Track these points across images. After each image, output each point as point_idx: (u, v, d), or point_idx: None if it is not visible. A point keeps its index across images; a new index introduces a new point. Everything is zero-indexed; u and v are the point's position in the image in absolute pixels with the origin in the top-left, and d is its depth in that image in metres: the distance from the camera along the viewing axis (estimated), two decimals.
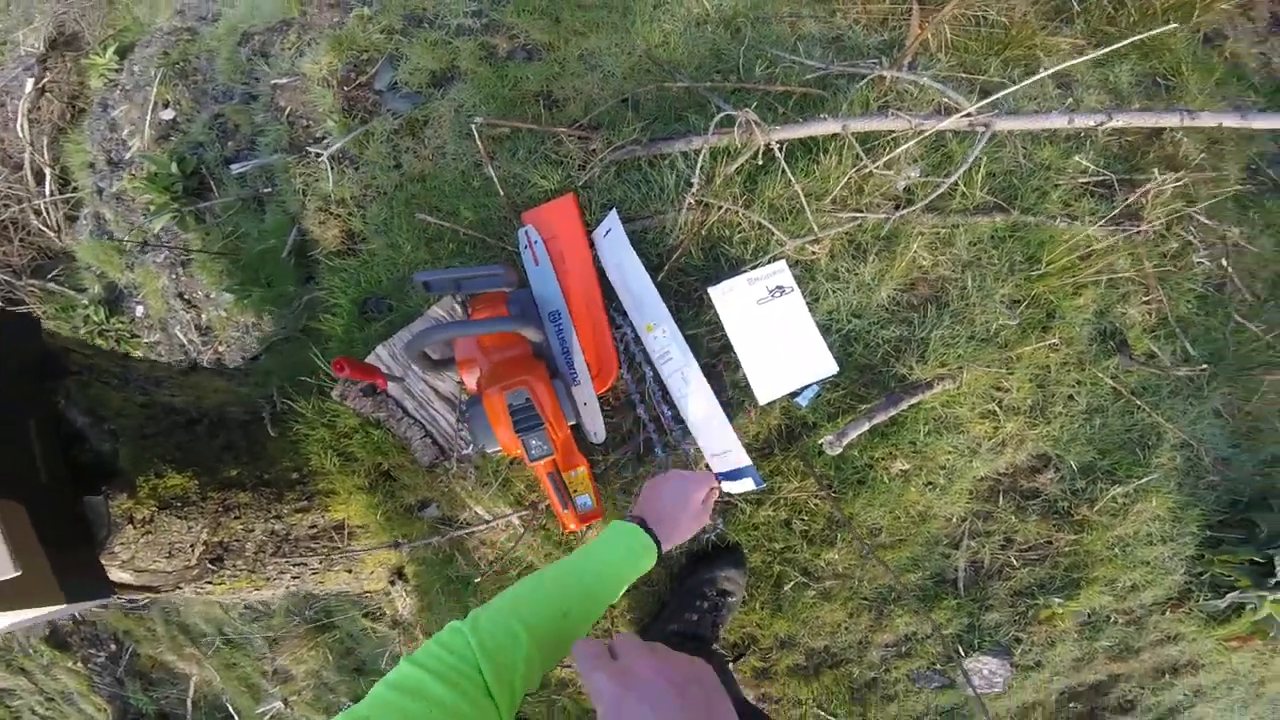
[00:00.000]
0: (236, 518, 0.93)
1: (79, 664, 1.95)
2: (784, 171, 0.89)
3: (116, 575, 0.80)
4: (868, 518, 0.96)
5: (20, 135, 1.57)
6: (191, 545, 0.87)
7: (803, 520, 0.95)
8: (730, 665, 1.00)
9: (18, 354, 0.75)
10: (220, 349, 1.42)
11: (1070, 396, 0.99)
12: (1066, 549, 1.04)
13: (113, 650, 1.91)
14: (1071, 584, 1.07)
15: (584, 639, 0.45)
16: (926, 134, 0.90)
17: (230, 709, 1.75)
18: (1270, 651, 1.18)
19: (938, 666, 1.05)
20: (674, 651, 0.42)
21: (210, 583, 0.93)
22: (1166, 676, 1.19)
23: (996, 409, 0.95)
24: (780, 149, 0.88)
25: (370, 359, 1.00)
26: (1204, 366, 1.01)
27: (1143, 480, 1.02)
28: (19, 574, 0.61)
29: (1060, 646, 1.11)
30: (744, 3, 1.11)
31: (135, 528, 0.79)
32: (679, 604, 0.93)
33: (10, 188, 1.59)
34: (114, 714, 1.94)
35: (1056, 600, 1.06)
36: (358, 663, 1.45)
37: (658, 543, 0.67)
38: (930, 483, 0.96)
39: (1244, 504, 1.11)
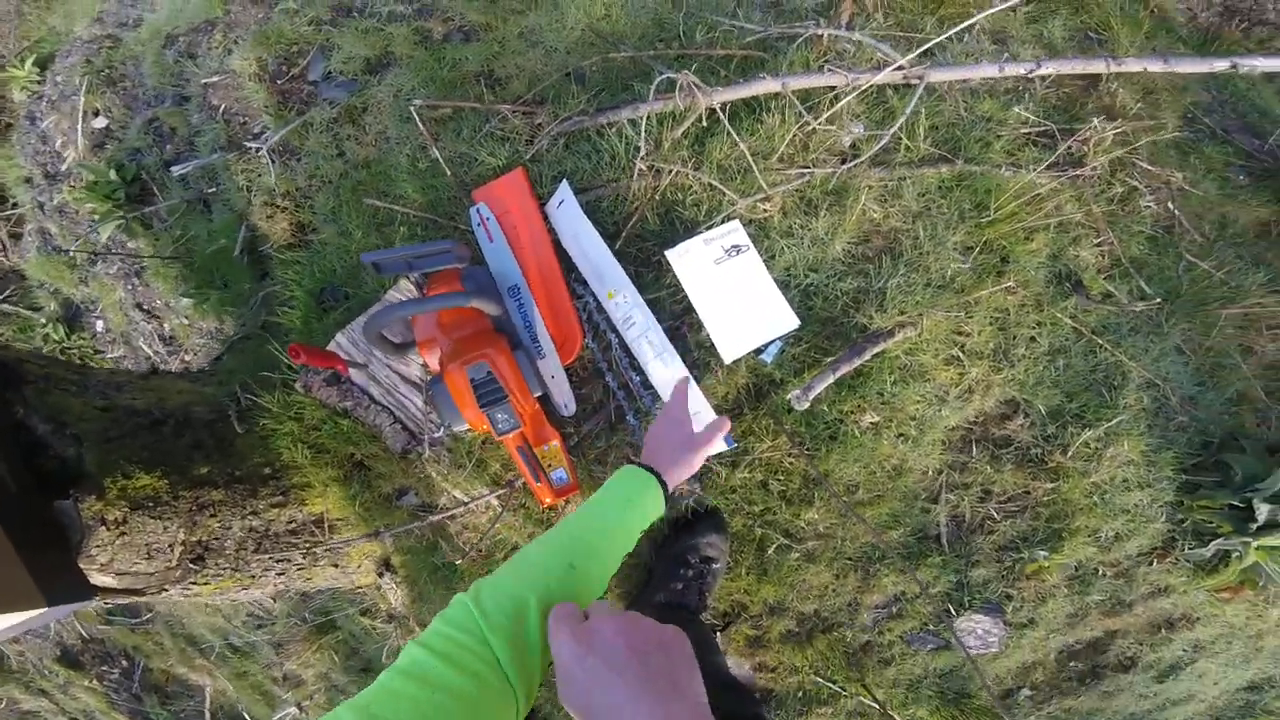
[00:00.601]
0: (212, 515, 0.97)
1: (95, 682, 2.03)
2: (729, 132, 0.97)
3: (98, 579, 0.84)
4: (843, 474, 1.02)
5: None
6: (170, 545, 0.91)
7: (779, 480, 1.00)
8: (718, 634, 1.04)
9: None
10: (187, 358, 1.44)
11: (1032, 338, 1.07)
12: (1045, 499, 1.12)
13: (125, 666, 1.98)
14: (1054, 535, 1.13)
15: (557, 604, 0.46)
16: (863, 87, 0.99)
17: (247, 717, 1.82)
18: (1263, 602, 1.25)
19: (931, 628, 1.11)
20: (647, 619, 0.43)
21: (195, 583, 0.97)
22: (1163, 631, 1.26)
23: (960, 354, 1.03)
24: (724, 110, 0.96)
25: (331, 347, 1.03)
26: (1159, 301, 1.10)
27: (1112, 422, 1.10)
28: None
29: (1051, 602, 1.17)
30: None
31: (109, 529, 0.83)
32: (663, 574, 0.97)
33: None
34: None
35: (1041, 553, 1.13)
36: (364, 662, 1.51)
37: (658, 476, 0.67)
38: (902, 434, 1.02)
39: (1215, 445, 1.19)
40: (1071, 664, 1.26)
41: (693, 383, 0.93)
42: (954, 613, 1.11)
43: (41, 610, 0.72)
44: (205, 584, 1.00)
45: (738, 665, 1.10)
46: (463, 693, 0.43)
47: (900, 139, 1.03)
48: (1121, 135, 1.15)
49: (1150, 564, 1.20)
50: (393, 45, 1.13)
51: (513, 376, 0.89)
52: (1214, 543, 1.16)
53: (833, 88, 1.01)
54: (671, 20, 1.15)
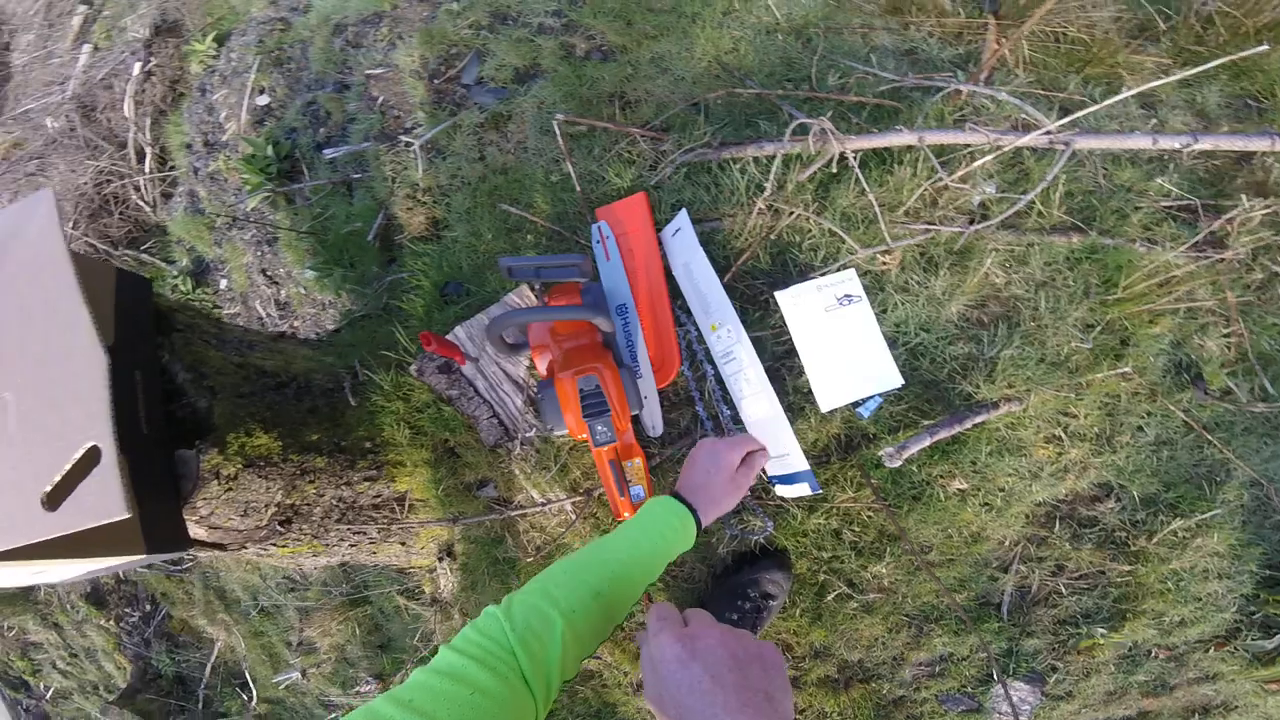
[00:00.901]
0: (311, 481, 0.94)
1: (111, 622, 1.96)
2: (858, 181, 0.86)
3: (193, 531, 0.82)
4: (920, 534, 0.92)
5: (126, 116, 1.64)
6: (266, 505, 0.89)
7: (853, 531, 0.92)
8: None
9: (132, 310, 0.78)
10: (296, 323, 1.46)
11: (1139, 427, 0.94)
12: (1118, 580, 0.99)
13: (147, 611, 1.93)
14: (1118, 615, 1.01)
15: (661, 603, 0.43)
16: (1004, 150, 0.86)
17: (248, 676, 1.73)
18: None
19: (968, 690, 1.01)
20: (744, 631, 0.40)
21: (274, 544, 0.95)
22: (1197, 717, 1.12)
23: (1062, 434, 0.91)
24: (855, 158, 0.85)
25: (449, 338, 1.01)
26: None
27: (1206, 515, 0.95)
28: (129, 517, 0.61)
29: (1095, 678, 1.05)
30: (815, 12, 1.08)
31: (220, 484, 0.80)
32: (720, 602, 0.92)
33: (114, 164, 1.68)
34: (134, 674, 1.93)
35: (1100, 630, 1.01)
36: (383, 639, 1.43)
37: (694, 513, 0.63)
38: (987, 504, 0.92)
39: None
40: None
41: (788, 425, 0.85)
42: (995, 678, 1.02)
43: (140, 556, 0.69)
44: (283, 546, 0.97)
45: None
46: (495, 693, 0.42)
47: (1033, 203, 0.90)
48: (1271, 215, 0.97)
49: (1208, 650, 1.06)
50: (540, 57, 1.07)
51: (617, 393, 0.84)
52: (1279, 636, 1.02)
53: (968, 145, 0.89)
54: (800, 61, 1.04)
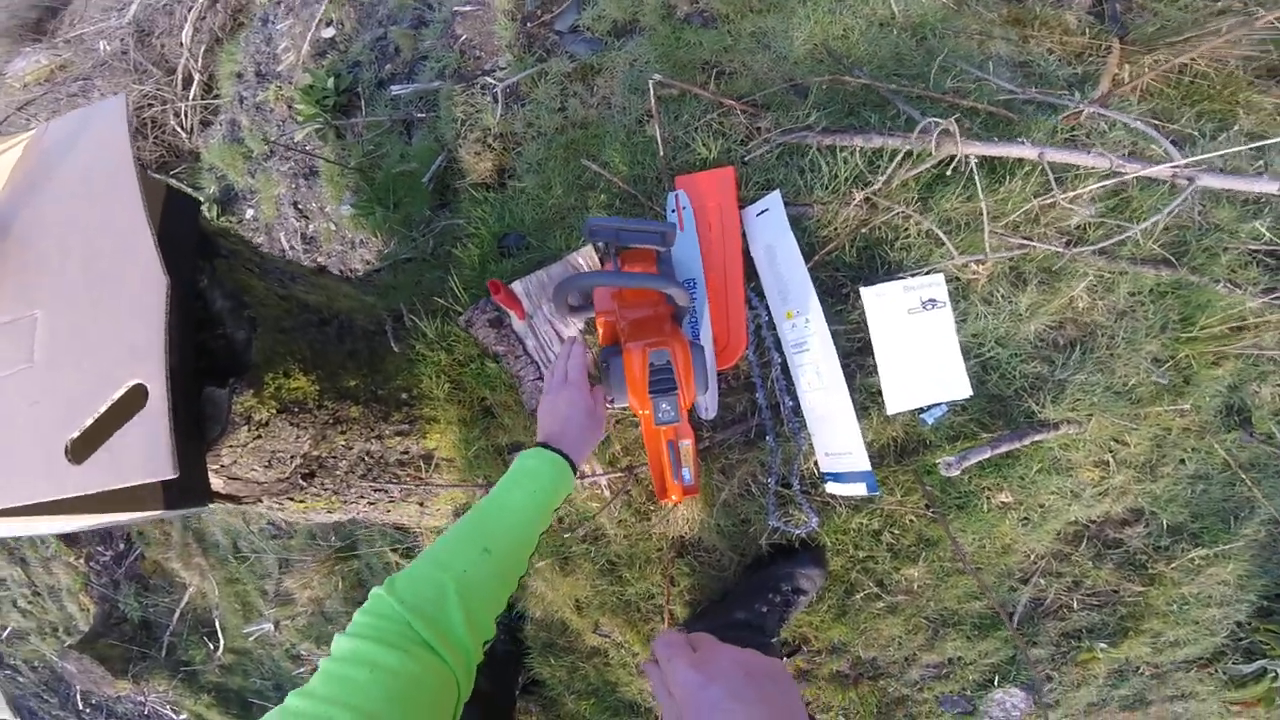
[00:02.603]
0: (342, 432, 0.84)
1: (81, 560, 1.75)
2: (966, 185, 0.77)
3: (212, 482, 0.70)
4: (958, 542, 0.89)
5: (182, 42, 1.47)
6: (292, 456, 0.79)
7: (893, 534, 0.88)
8: (783, 662, 0.97)
9: (178, 231, 0.66)
10: (320, 259, 1.35)
11: (1182, 460, 0.89)
12: (1130, 599, 0.97)
13: (120, 550, 1.72)
14: (1120, 632, 1.00)
15: (666, 630, 0.39)
16: (1126, 177, 0.78)
17: (217, 625, 1.58)
18: (1266, 719, 1.12)
19: (967, 693, 1.01)
20: (752, 650, 0.39)
21: (292, 499, 0.86)
22: None
23: (1110, 460, 0.86)
24: (972, 163, 0.77)
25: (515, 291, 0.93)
26: None
27: (1225, 546, 0.93)
28: (177, 475, 0.49)
29: (1084, 690, 1.05)
30: (934, 13, 0.96)
31: (250, 430, 0.68)
32: (750, 592, 0.88)
33: (159, 89, 1.51)
34: (98, 615, 1.74)
35: (1101, 645, 1.00)
36: (366, 596, 1.34)
37: (567, 457, 0.63)
38: (1026, 519, 0.88)
39: None
40: None
41: (855, 423, 0.79)
42: (995, 683, 1.01)
43: (158, 512, 0.57)
44: (301, 501, 0.88)
45: None
46: (395, 668, 0.40)
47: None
48: None
49: (1190, 670, 1.06)
50: (641, 13, 0.93)
51: (686, 371, 0.77)
52: (1259, 661, 1.03)
53: (1083, 167, 0.80)
54: (913, 59, 0.92)
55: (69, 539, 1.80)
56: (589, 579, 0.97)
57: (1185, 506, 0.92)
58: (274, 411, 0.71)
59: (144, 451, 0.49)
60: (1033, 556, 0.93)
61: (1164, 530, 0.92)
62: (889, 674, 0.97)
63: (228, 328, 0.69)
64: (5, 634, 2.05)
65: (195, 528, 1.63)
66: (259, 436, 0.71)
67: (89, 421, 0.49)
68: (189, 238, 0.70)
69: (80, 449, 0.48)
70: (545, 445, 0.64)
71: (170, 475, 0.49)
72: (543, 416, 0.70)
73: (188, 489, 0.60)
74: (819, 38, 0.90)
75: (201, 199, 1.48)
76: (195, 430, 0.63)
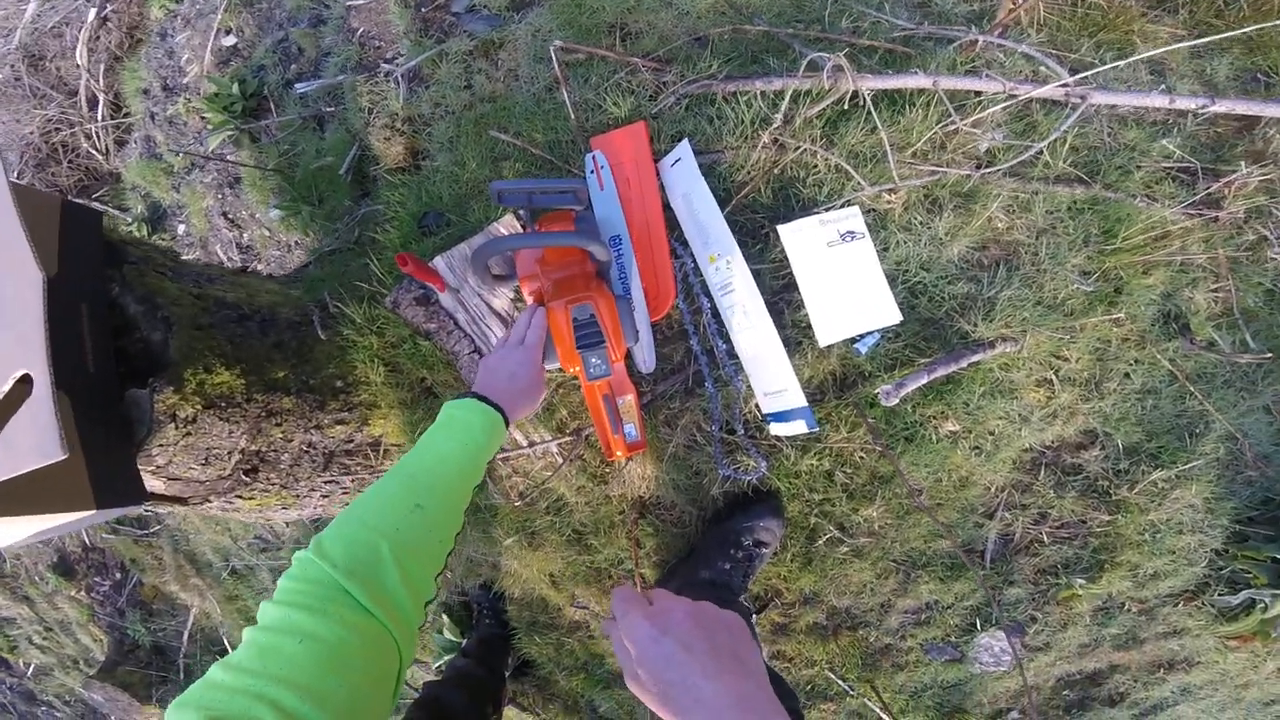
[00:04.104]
0: (278, 424, 0.84)
1: (82, 592, 1.84)
2: (869, 119, 0.80)
3: (149, 483, 0.72)
4: (910, 477, 0.88)
5: (79, 64, 1.49)
6: (229, 452, 0.79)
7: (845, 473, 0.87)
8: (754, 618, 0.94)
9: (80, 242, 0.68)
10: (259, 267, 1.35)
11: (1127, 374, 0.90)
12: (1099, 529, 0.96)
13: (117, 579, 1.80)
14: (1096, 566, 0.98)
15: (621, 586, 0.41)
16: (1018, 100, 0.81)
17: (226, 643, 1.63)
18: (1266, 653, 1.10)
19: (952, 639, 0.98)
20: (706, 602, 0.39)
21: (240, 496, 0.85)
22: (1161, 671, 1.11)
23: (1053, 378, 0.87)
24: (868, 96, 0.79)
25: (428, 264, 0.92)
26: (1268, 355, 0.92)
27: (1186, 466, 0.93)
28: (66, 456, 0.51)
29: (1071, 630, 1.03)
30: None
31: (177, 427, 0.70)
32: (713, 550, 0.86)
33: (63, 112, 1.52)
34: (110, 645, 1.83)
35: (1079, 581, 0.99)
36: None
37: (500, 410, 0.62)
38: (977, 447, 0.87)
39: (1277, 503, 1.03)
40: (1065, 692, 1.12)
41: (786, 359, 0.79)
42: (979, 628, 0.99)
43: (89, 513, 0.58)
44: (250, 499, 0.88)
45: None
46: (336, 639, 0.38)
47: (1041, 153, 0.85)
48: (1267, 182, 0.94)
49: (1177, 605, 1.05)
50: None
51: (612, 323, 0.77)
52: (1245, 592, 1.01)
53: (980, 93, 0.83)
54: (810, 3, 0.97)
55: (65, 572, 1.84)
56: (558, 551, 0.96)
57: (1138, 425, 0.93)
58: (199, 407, 0.72)
59: (35, 437, 0.51)
60: (993, 489, 0.92)
61: (1120, 452, 0.93)
62: (867, 623, 0.94)
63: (143, 330, 0.71)
64: (30, 671, 2.10)
65: (185, 550, 1.65)
66: (188, 434, 0.71)
67: None
68: (94, 248, 0.71)
69: None
70: (478, 397, 0.62)
71: (60, 456, 0.51)
72: (487, 371, 0.69)
73: (117, 488, 0.61)
74: None
75: (130, 220, 1.47)
76: (123, 432, 0.65)
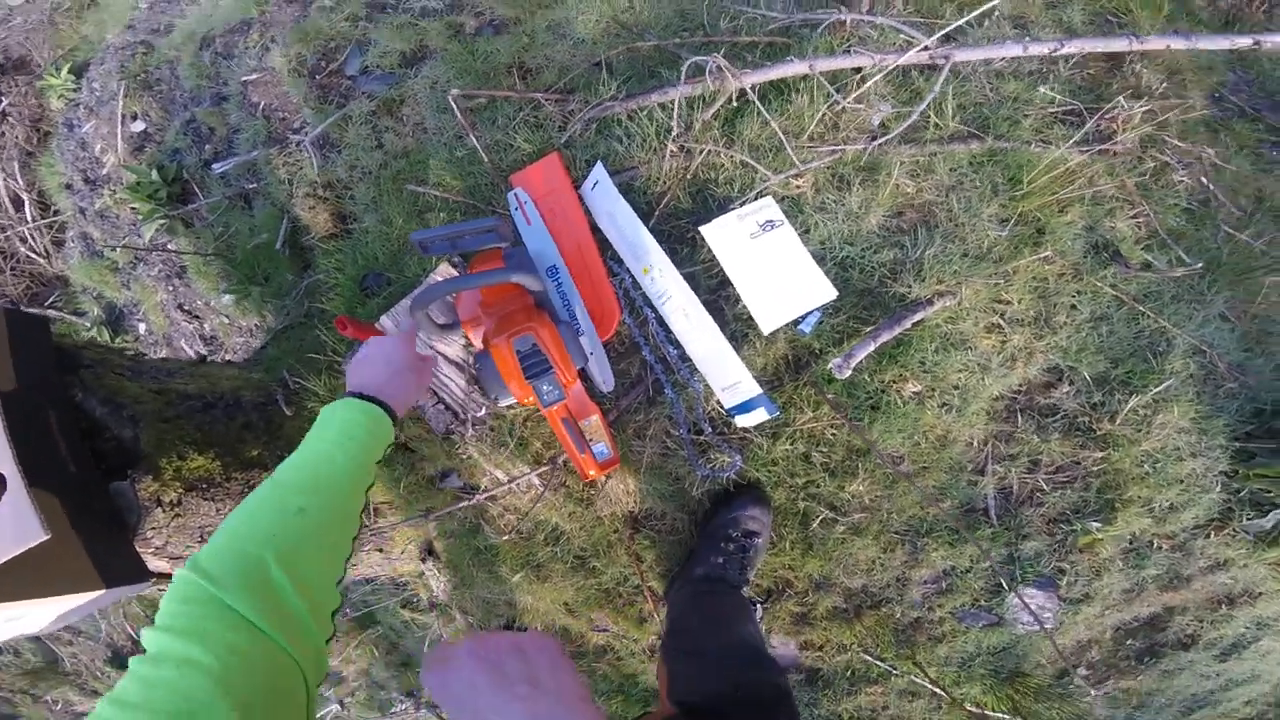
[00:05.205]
0: None
1: None
2: (760, 112, 1.06)
3: (154, 564, 0.90)
4: (887, 445, 1.07)
5: None
6: None
7: (821, 452, 1.06)
8: (760, 607, 1.09)
9: (31, 350, 0.86)
10: (227, 357, 1.53)
11: (1073, 306, 1.14)
12: (1095, 468, 1.16)
13: None
14: (1106, 506, 1.18)
15: (430, 650, 0.48)
16: (890, 68, 1.09)
17: None
18: None
19: (983, 603, 1.14)
20: (501, 634, 0.46)
21: None
22: (1224, 608, 1.29)
23: (1000, 321, 1.09)
24: (754, 91, 1.05)
25: (368, 322, 1.12)
26: (1200, 266, 1.17)
27: (1160, 388, 1.15)
28: (48, 538, 0.69)
29: (1107, 576, 1.21)
30: None
31: (164, 510, 0.89)
32: (705, 548, 1.03)
33: None
34: None
35: (1095, 525, 1.17)
36: (404, 656, 1.60)
37: (383, 405, 0.69)
38: (945, 404, 1.08)
39: (1268, 412, 1.24)
40: (1129, 642, 1.28)
41: (733, 352, 1.00)
42: (1006, 587, 1.15)
43: (100, 592, 0.76)
44: None
45: (783, 644, 1.14)
46: (215, 663, 0.41)
47: (929, 117, 1.12)
48: (1150, 114, 1.23)
49: (1208, 536, 1.24)
50: (427, 39, 1.25)
51: (556, 348, 0.97)
52: (1273, 513, 1.20)
53: (859, 69, 1.11)
54: (694, 10, 1.26)
55: (121, 665, 2.21)
56: (565, 579, 1.13)
57: (1100, 354, 1.15)
58: (181, 491, 0.92)
59: (16, 525, 0.67)
60: (975, 443, 1.12)
61: (1090, 384, 1.15)
62: (888, 599, 1.11)
63: (113, 430, 0.90)
64: None
65: None
66: (177, 514, 0.91)
67: None
68: (45, 355, 0.90)
69: None
70: (358, 395, 0.70)
71: (43, 537, 0.69)
72: (358, 364, 0.77)
73: (121, 569, 0.81)
74: (608, 14, 1.23)
75: (88, 324, 1.66)
76: (116, 521, 0.85)
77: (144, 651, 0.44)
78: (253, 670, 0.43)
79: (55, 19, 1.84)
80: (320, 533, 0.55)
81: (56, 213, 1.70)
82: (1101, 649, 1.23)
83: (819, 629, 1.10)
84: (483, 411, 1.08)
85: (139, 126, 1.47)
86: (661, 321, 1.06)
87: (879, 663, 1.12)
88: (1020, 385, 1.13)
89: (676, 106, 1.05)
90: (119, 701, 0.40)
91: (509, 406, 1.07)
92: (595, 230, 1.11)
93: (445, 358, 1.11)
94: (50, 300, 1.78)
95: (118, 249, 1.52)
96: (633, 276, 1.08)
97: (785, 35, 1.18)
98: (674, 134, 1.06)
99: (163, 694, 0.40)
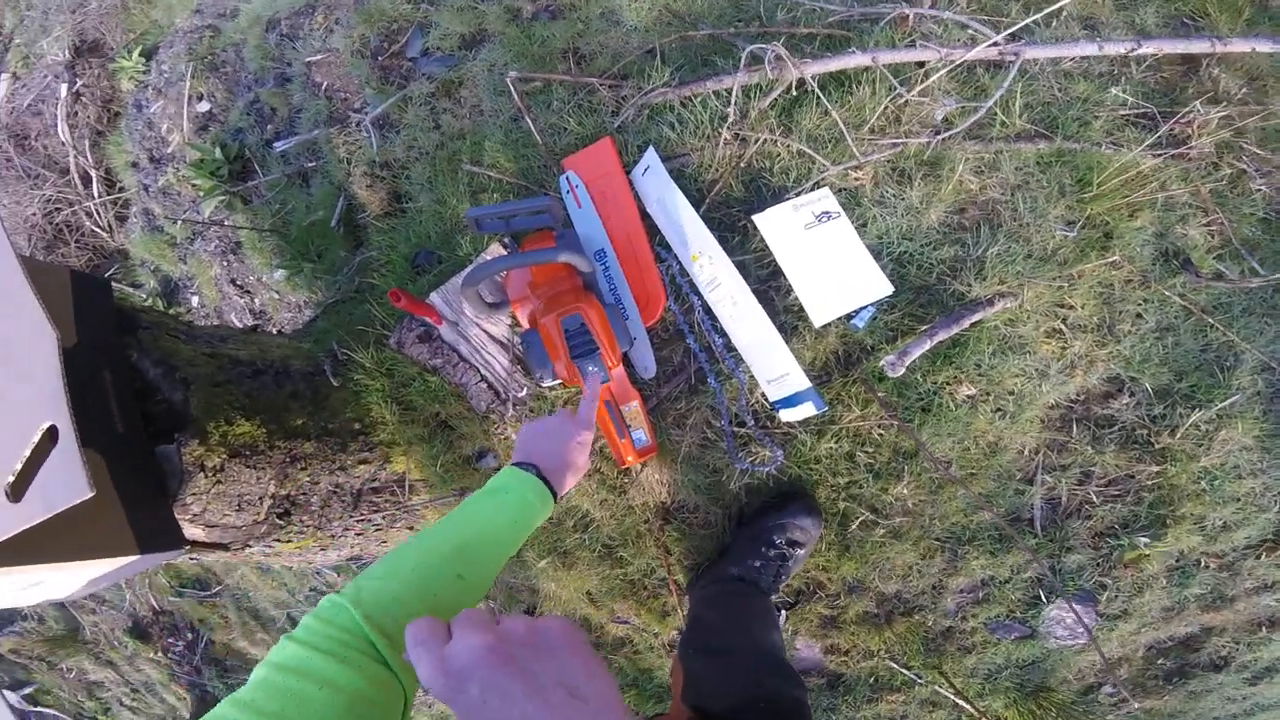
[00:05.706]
0: (303, 468, 1.03)
1: (159, 654, 2.26)
2: (820, 101, 1.01)
3: (189, 531, 0.90)
4: (936, 449, 1.03)
5: (62, 140, 1.77)
6: (260, 498, 0.97)
7: (866, 452, 1.02)
8: (785, 613, 1.05)
9: (93, 311, 0.87)
10: (275, 330, 1.56)
11: (1138, 314, 1.07)
12: (1149, 483, 1.10)
13: (189, 639, 2.20)
14: (1158, 522, 1.11)
15: (413, 624, 0.38)
16: (956, 63, 1.03)
17: None
18: None
19: (1017, 615, 1.09)
20: (519, 620, 0.38)
21: (279, 540, 1.03)
22: (1264, 630, 1.21)
23: (1062, 327, 1.04)
24: (814, 81, 1.01)
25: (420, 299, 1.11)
26: (1276, 277, 1.09)
27: (1225, 404, 1.08)
28: (93, 494, 0.66)
29: (1149, 594, 1.14)
30: None
31: (206, 476, 0.88)
32: (745, 547, 0.99)
33: (59, 191, 1.80)
34: (193, 702, 2.24)
35: (1143, 540, 1.11)
36: None
37: (553, 491, 0.71)
38: (999, 409, 1.03)
39: None
40: (1159, 661, 1.22)
41: (782, 343, 0.96)
42: (1045, 600, 1.10)
43: (133, 558, 0.74)
44: (288, 541, 1.06)
45: (807, 647, 1.11)
46: (349, 687, 0.43)
47: (995, 114, 1.06)
48: (1227, 119, 1.15)
49: (1258, 557, 1.16)
50: (486, 22, 1.23)
51: (604, 329, 0.95)
52: None
53: (923, 64, 1.05)
54: (749, 2, 1.22)
55: (140, 635, 2.25)
56: (591, 568, 1.12)
57: (1163, 365, 1.09)
58: (225, 457, 0.91)
59: (64, 480, 0.66)
60: (1026, 451, 1.06)
61: (1151, 396, 1.08)
62: (921, 606, 1.06)
63: (164, 392, 0.90)
64: None
65: (248, 607, 1.99)
66: (218, 481, 0.90)
67: (19, 466, 0.66)
68: (107, 315, 0.91)
69: (18, 489, 0.66)
70: (536, 471, 0.71)
71: (88, 494, 0.67)
72: (532, 437, 0.78)
73: (157, 533, 0.80)
74: (660, 2, 1.19)
75: (144, 296, 1.72)
76: (158, 485, 0.84)
77: (274, 660, 0.45)
78: (376, 702, 0.45)
79: (128, 4, 1.89)
80: (466, 597, 0.58)
81: (121, 189, 1.76)
82: (1131, 667, 1.17)
83: (847, 633, 1.07)
84: (524, 392, 1.07)
85: (204, 107, 1.50)
86: (708, 309, 1.03)
87: (905, 671, 1.08)
88: (1078, 394, 1.07)
89: (734, 94, 1.02)
90: (253, 708, 0.41)
91: (551, 386, 1.05)
92: (644, 216, 1.08)
93: (490, 336, 1.10)
94: (110, 272, 1.85)
95: (178, 223, 1.55)
96: (680, 263, 1.05)
97: (844, 28, 1.13)
98: (729, 121, 1.02)
99: (297, 707, 0.42)
